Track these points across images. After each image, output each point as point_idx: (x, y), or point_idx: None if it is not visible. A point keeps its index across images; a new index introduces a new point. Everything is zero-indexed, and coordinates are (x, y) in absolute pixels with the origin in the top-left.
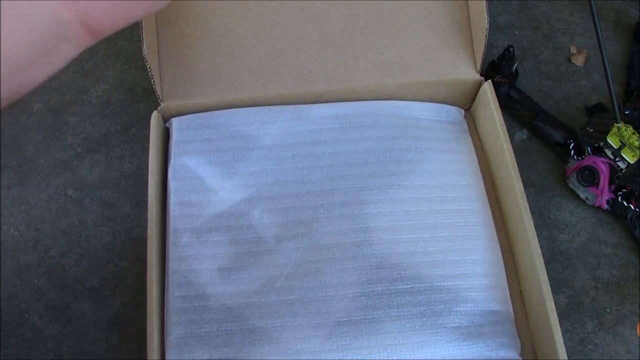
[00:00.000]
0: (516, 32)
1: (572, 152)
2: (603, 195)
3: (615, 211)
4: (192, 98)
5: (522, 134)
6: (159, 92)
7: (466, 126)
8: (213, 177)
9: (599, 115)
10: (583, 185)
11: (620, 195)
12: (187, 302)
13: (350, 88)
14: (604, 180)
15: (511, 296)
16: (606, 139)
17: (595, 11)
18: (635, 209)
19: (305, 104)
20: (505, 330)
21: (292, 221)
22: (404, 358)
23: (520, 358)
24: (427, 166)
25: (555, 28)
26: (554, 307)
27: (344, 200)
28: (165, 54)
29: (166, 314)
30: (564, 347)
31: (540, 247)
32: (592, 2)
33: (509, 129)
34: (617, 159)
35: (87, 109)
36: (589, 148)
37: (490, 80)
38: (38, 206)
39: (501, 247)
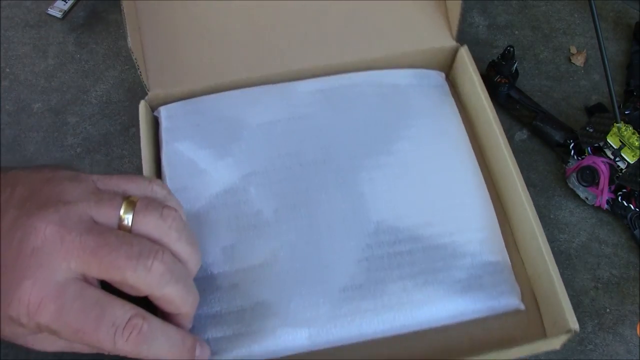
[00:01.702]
0: (516, 32)
1: (572, 152)
2: (603, 195)
3: (615, 211)
4: (179, 86)
5: (522, 134)
6: (145, 82)
7: (448, 89)
8: (206, 160)
9: (599, 115)
10: (583, 185)
11: (620, 195)
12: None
13: (332, 64)
14: (604, 180)
15: (506, 246)
16: (606, 139)
17: (595, 11)
18: (635, 209)
19: (290, 81)
20: (504, 278)
21: (289, 192)
22: (410, 315)
23: (521, 303)
24: (414, 130)
25: (555, 28)
26: (549, 249)
27: (337, 168)
28: (150, 43)
29: None
30: (563, 286)
31: None
32: (592, 2)
33: (508, 129)
34: (617, 159)
35: (87, 109)
36: (588, 148)
37: (466, 45)
38: None
39: (492, 200)
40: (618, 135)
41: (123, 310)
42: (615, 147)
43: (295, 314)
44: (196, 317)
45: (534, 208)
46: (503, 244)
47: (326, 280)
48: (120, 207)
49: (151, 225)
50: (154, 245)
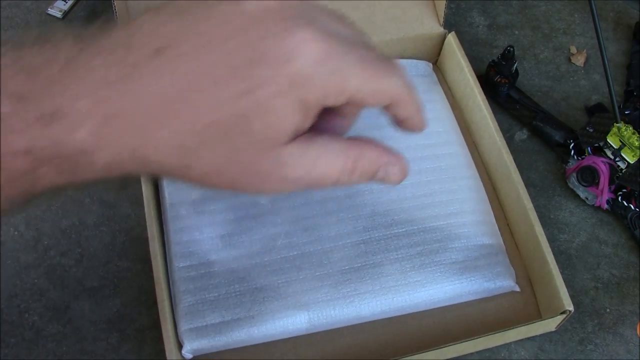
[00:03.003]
0: (516, 32)
1: (572, 152)
2: (603, 195)
3: (615, 211)
4: None
5: (522, 134)
6: None
7: (436, 78)
8: None
9: (599, 115)
10: (583, 185)
11: (620, 195)
12: (192, 270)
13: None
14: (604, 180)
15: (499, 229)
16: (606, 139)
17: (595, 11)
18: (635, 209)
19: None
20: (499, 260)
21: None
22: (407, 297)
23: (516, 285)
24: None
25: (555, 28)
26: (542, 231)
27: None
28: None
29: (172, 286)
30: (557, 267)
31: None
32: (592, 2)
33: (508, 129)
34: (617, 159)
35: None
36: (589, 148)
37: (454, 32)
38: (38, 206)
39: (483, 184)
40: (618, 135)
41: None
42: (615, 147)
43: (294, 297)
44: (194, 302)
45: (525, 190)
46: (496, 226)
47: (324, 265)
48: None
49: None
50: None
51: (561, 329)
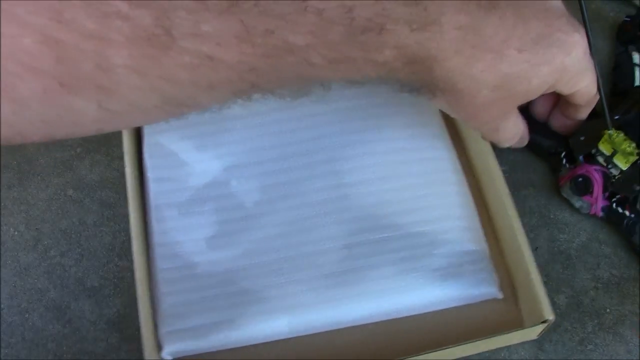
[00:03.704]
0: None
1: (564, 160)
2: (598, 204)
3: (610, 218)
4: None
5: None
6: None
7: None
8: (188, 151)
9: (590, 122)
10: (577, 195)
11: (614, 202)
12: (175, 272)
13: None
14: (597, 188)
15: (485, 236)
16: (598, 146)
17: (586, 12)
18: (630, 215)
19: None
20: (483, 267)
21: (269, 185)
22: (390, 302)
23: (500, 292)
24: (394, 119)
25: None
26: (526, 240)
27: (318, 159)
28: None
29: (154, 287)
30: (539, 276)
31: (540, 247)
32: (583, 2)
33: None
34: (609, 166)
35: None
36: (581, 156)
37: None
38: (38, 206)
39: (471, 190)
40: (610, 142)
41: None
42: (607, 154)
43: (275, 301)
44: (176, 304)
45: (510, 198)
46: (482, 233)
47: (307, 269)
48: None
49: None
50: None
51: (561, 329)
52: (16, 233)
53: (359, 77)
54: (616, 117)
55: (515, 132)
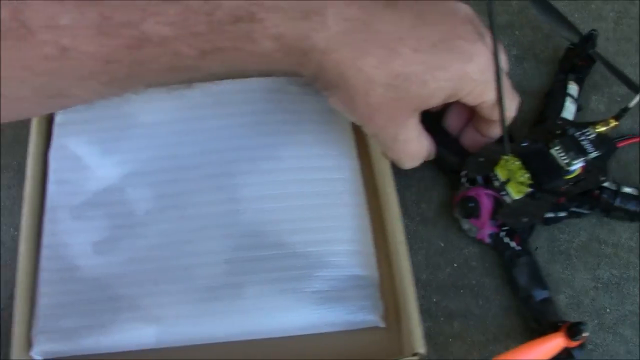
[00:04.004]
0: (516, 32)
1: (464, 179)
2: (484, 229)
3: (496, 247)
4: None
5: None
6: None
7: None
8: (92, 156)
9: (492, 145)
10: (463, 217)
11: (504, 231)
12: (56, 274)
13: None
14: (485, 213)
15: (382, 262)
16: (495, 170)
17: (494, 14)
18: (515, 247)
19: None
20: (367, 294)
21: (162, 194)
22: (262, 321)
23: (382, 320)
24: (299, 137)
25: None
26: (409, 267)
27: (213, 172)
28: None
29: (36, 287)
30: (417, 306)
31: (540, 247)
32: (492, 3)
33: None
34: (503, 193)
35: None
36: (479, 178)
37: None
38: None
39: (372, 213)
40: (505, 168)
41: None
42: (502, 180)
43: (146, 310)
44: (51, 305)
45: (400, 222)
46: (374, 259)
47: (184, 281)
48: None
49: None
50: None
51: None
52: (16, 233)
53: (239, 69)
54: (524, 144)
55: (417, 149)
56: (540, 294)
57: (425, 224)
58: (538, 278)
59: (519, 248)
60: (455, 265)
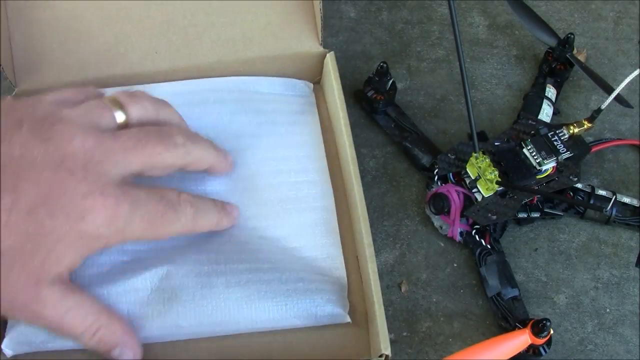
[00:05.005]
0: (516, 32)
1: (436, 177)
2: (454, 226)
3: (467, 244)
4: (45, 82)
5: None
6: (10, 79)
7: (313, 99)
8: None
9: (463, 143)
10: (433, 213)
11: (475, 229)
12: None
13: (195, 66)
14: (455, 210)
15: (351, 263)
16: (466, 168)
17: (455, 16)
18: (486, 246)
19: (152, 83)
20: (334, 289)
21: None
22: (227, 311)
23: (345, 314)
24: (266, 140)
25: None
26: (375, 269)
27: (177, 177)
28: (17, 41)
29: None
30: (382, 307)
31: (540, 247)
32: (452, 2)
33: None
34: (474, 190)
35: None
36: (451, 175)
37: (333, 52)
38: None
39: (343, 215)
40: (475, 166)
41: (171, 192)
42: (472, 178)
43: (115, 306)
44: None
45: (368, 224)
46: (342, 260)
47: (147, 275)
48: (110, 106)
49: (141, 109)
50: (164, 126)
51: (561, 329)
52: None
53: None
54: (496, 143)
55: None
56: (509, 293)
57: (425, 224)
58: (508, 277)
59: (488, 246)
60: (455, 265)
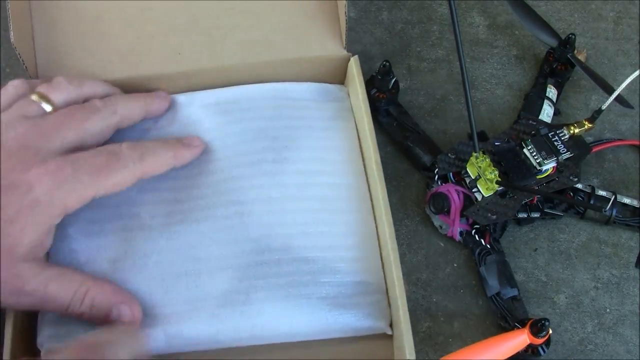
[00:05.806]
0: (516, 32)
1: (436, 177)
2: (454, 226)
3: (467, 244)
4: None
5: None
6: (33, 78)
7: (349, 104)
8: None
9: (464, 142)
10: (433, 213)
11: (475, 228)
12: None
13: (218, 67)
14: (455, 210)
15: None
16: (466, 167)
17: (455, 16)
18: (485, 246)
19: (175, 84)
20: (374, 301)
21: (168, 200)
22: (269, 326)
23: (389, 327)
24: (302, 142)
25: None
26: (400, 275)
27: (217, 178)
28: (39, 40)
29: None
30: (407, 313)
31: (540, 247)
32: (452, 2)
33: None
34: (474, 190)
35: None
36: (451, 175)
37: (357, 56)
38: None
39: (379, 219)
40: (475, 165)
41: (113, 144)
42: (472, 178)
43: (156, 315)
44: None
45: (393, 229)
46: (380, 265)
47: (190, 288)
48: (37, 100)
49: (64, 93)
50: (91, 101)
51: (561, 329)
52: None
53: None
54: (496, 143)
55: None
56: (508, 292)
57: (425, 224)
58: (507, 277)
59: (487, 246)
60: (455, 265)
